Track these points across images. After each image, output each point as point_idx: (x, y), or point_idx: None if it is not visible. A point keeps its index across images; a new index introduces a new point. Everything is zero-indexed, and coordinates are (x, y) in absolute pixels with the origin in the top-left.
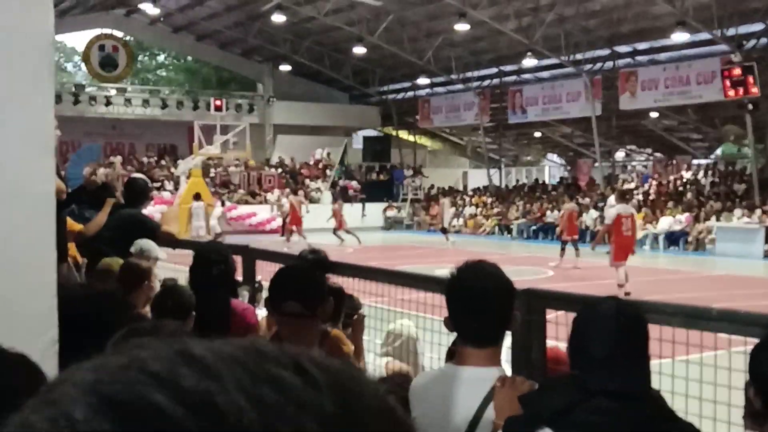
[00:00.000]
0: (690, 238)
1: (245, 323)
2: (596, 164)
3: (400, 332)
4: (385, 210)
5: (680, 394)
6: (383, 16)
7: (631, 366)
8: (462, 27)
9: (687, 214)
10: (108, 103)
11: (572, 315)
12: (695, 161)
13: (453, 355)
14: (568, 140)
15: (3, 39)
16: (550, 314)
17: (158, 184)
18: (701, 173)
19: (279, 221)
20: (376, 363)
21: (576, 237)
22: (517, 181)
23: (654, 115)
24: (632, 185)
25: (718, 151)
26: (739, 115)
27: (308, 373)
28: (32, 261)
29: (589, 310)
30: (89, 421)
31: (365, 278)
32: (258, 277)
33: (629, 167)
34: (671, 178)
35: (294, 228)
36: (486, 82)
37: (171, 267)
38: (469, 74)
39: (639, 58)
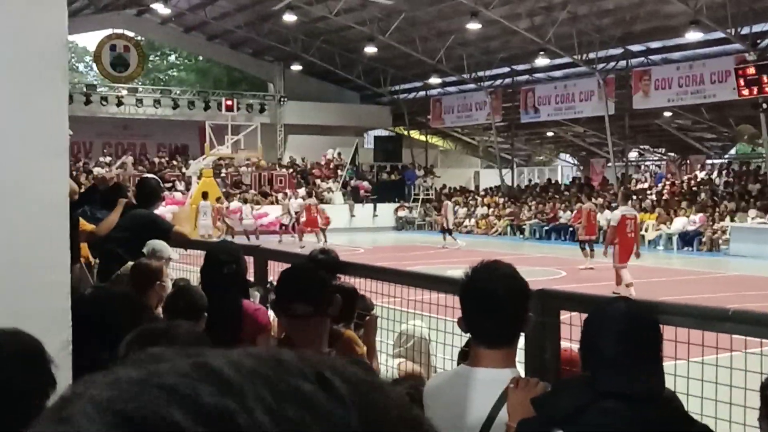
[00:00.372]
0: (704, 239)
1: (257, 324)
2: (609, 164)
3: (413, 333)
4: (396, 210)
5: (695, 396)
6: (395, 16)
7: (643, 368)
8: (474, 26)
9: (701, 215)
10: (119, 103)
11: (586, 316)
12: (709, 161)
13: (465, 357)
14: (581, 140)
15: (18, 41)
16: (564, 315)
17: (169, 185)
18: (715, 173)
19: (285, 220)
20: (388, 364)
21: (594, 237)
22: (530, 181)
23: (667, 114)
24: (645, 185)
25: (733, 151)
26: (754, 114)
27: (332, 386)
28: (46, 262)
29: (599, 311)
30: None
31: (377, 279)
32: (270, 278)
33: (642, 167)
34: (685, 178)
35: (309, 230)
36: (498, 82)
37: (183, 267)
38: (481, 73)
39: (652, 57)
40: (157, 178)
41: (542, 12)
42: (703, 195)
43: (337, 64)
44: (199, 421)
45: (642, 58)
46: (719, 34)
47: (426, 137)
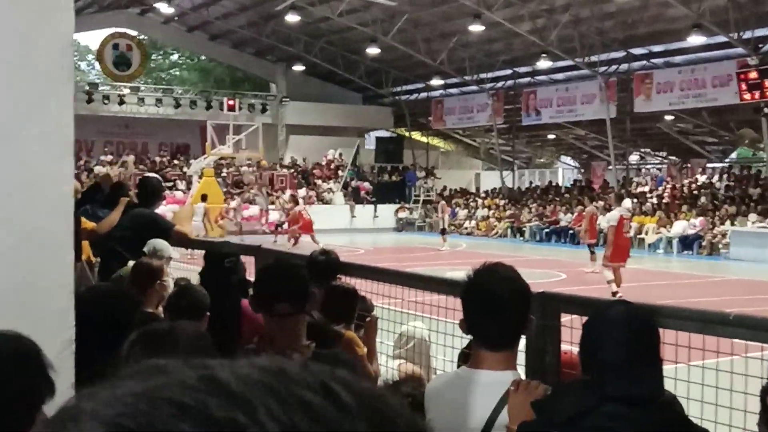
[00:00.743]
0: (704, 242)
1: (256, 323)
2: (610, 167)
3: (413, 334)
4: (397, 211)
5: (695, 400)
6: (397, 17)
7: (643, 371)
8: (476, 28)
9: (701, 218)
10: (121, 102)
11: (585, 319)
12: (710, 165)
13: (465, 358)
14: (582, 142)
15: (24, 41)
16: (565, 318)
17: (171, 184)
18: (716, 177)
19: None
20: (388, 365)
21: (594, 240)
22: (531, 183)
23: (669, 118)
24: (646, 188)
25: (733, 155)
26: (755, 118)
27: (338, 397)
28: (51, 261)
29: (598, 314)
30: None
31: (377, 280)
32: None
33: (643, 170)
34: (685, 181)
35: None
36: (500, 84)
37: (184, 267)
38: (482, 75)
39: (654, 60)
40: (158, 177)
41: (544, 14)
42: (703, 199)
43: (339, 64)
44: None
45: (644, 62)
46: (721, 38)
47: (427, 138)
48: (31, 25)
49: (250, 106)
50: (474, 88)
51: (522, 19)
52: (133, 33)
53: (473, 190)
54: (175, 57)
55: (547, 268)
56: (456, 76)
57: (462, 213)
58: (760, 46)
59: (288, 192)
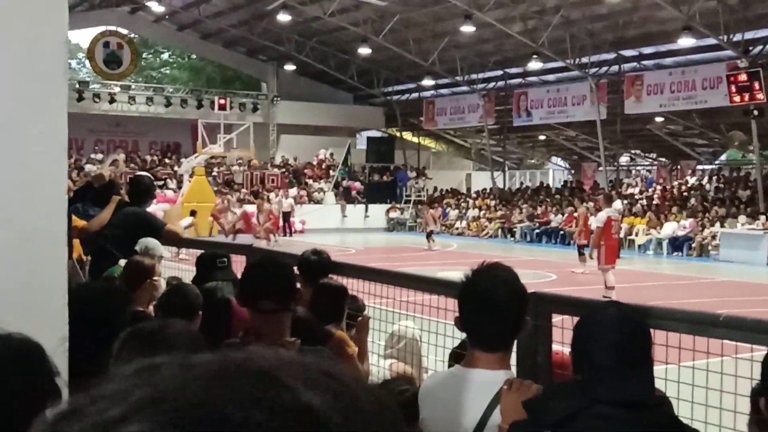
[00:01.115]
0: (694, 244)
1: (245, 321)
2: (600, 168)
3: (404, 334)
4: (388, 211)
5: (686, 401)
6: (389, 17)
7: (634, 373)
8: (468, 29)
9: (691, 220)
10: (112, 101)
11: (578, 319)
12: (700, 166)
13: (456, 358)
14: (573, 144)
15: (19, 40)
16: (556, 318)
17: (161, 183)
18: (706, 179)
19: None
20: (379, 364)
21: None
22: (521, 184)
23: (659, 119)
24: (636, 190)
25: (723, 157)
26: (745, 121)
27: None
28: (47, 260)
29: (590, 317)
30: None
31: (368, 280)
32: None
33: (633, 171)
34: (675, 183)
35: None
36: (491, 85)
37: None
38: (474, 76)
39: (645, 62)
40: (150, 176)
41: (536, 16)
42: (693, 200)
43: (330, 64)
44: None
45: (634, 63)
46: (712, 41)
47: (418, 139)
48: (29, 24)
49: (241, 105)
50: (465, 88)
51: (513, 20)
52: (124, 31)
53: (464, 191)
54: (166, 56)
55: (537, 269)
56: (447, 76)
57: (453, 213)
58: (750, 48)
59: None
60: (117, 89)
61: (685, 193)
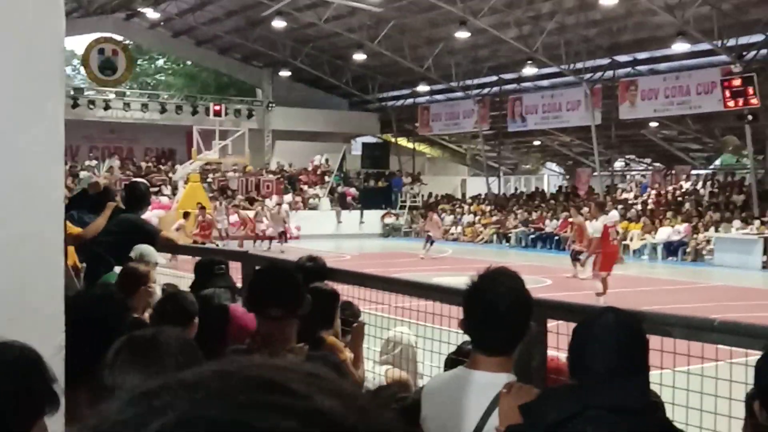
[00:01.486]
0: (688, 249)
1: (244, 328)
2: (595, 173)
3: (399, 340)
4: (383, 217)
5: (680, 406)
6: (384, 23)
7: (631, 380)
8: (462, 35)
9: (686, 225)
10: (107, 107)
11: (573, 325)
12: (694, 171)
13: (452, 364)
14: (568, 149)
15: (17, 46)
16: (551, 324)
17: (156, 189)
18: (700, 183)
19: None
20: (375, 370)
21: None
22: (516, 189)
23: (653, 124)
24: (631, 195)
25: (717, 162)
26: (739, 125)
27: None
28: (43, 266)
29: (588, 322)
30: None
31: (363, 285)
32: None
33: (628, 177)
34: (670, 188)
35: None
36: (486, 90)
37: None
38: (469, 82)
39: (639, 67)
40: (145, 182)
41: (530, 22)
42: (687, 205)
43: (325, 70)
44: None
45: (629, 69)
46: (706, 46)
47: (413, 144)
48: (25, 28)
49: (236, 112)
50: (460, 94)
51: (508, 26)
52: (119, 38)
53: (459, 196)
54: (160, 62)
55: (532, 274)
56: (442, 82)
57: (448, 219)
58: (744, 53)
59: (275, 198)
60: (112, 96)
61: (680, 198)
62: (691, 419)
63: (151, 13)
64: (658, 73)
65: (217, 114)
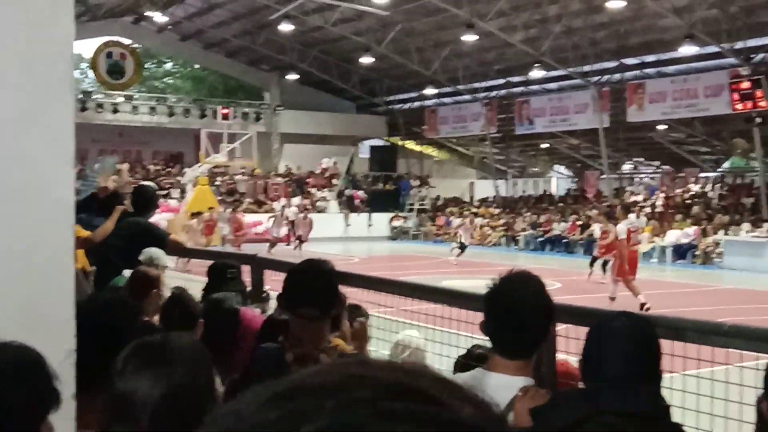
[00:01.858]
0: (698, 252)
1: (253, 330)
2: (603, 176)
3: (408, 343)
4: (391, 220)
5: (691, 410)
6: (391, 27)
7: (641, 387)
8: (470, 38)
9: (695, 227)
10: (115, 111)
11: (582, 328)
12: (703, 174)
13: (461, 367)
14: (576, 152)
15: (27, 52)
16: (560, 327)
17: (164, 192)
18: (709, 186)
19: (284, 231)
20: None
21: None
22: (524, 192)
23: (662, 127)
24: (640, 197)
25: (726, 165)
26: (747, 128)
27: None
28: (54, 270)
29: (602, 326)
30: None
31: (371, 289)
32: (266, 287)
33: (636, 179)
34: (679, 190)
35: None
36: (493, 93)
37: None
38: (476, 85)
39: (647, 70)
40: (154, 186)
41: (537, 24)
42: (696, 208)
43: (333, 73)
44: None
45: (636, 72)
46: (713, 49)
47: (421, 147)
48: (34, 35)
49: (244, 115)
50: (467, 97)
51: (515, 29)
52: (127, 41)
53: (467, 199)
54: (168, 65)
55: (541, 277)
56: (449, 85)
57: (456, 222)
58: (752, 56)
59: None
60: (120, 99)
61: (689, 201)
62: (701, 423)
63: (159, 17)
64: (666, 75)
65: (225, 117)
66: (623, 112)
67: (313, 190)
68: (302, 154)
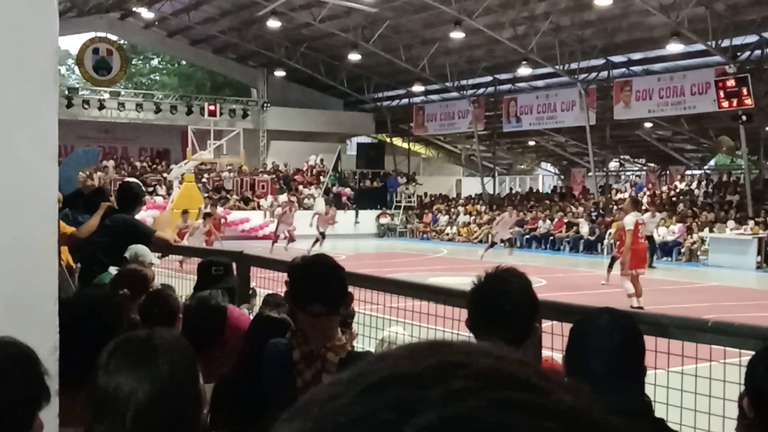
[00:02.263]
0: (683, 249)
1: (239, 329)
2: (590, 173)
3: (394, 340)
4: (378, 217)
5: (675, 406)
6: (379, 23)
7: (627, 382)
8: (457, 35)
9: (680, 225)
10: (101, 107)
11: (567, 325)
12: (689, 172)
13: None
14: (562, 149)
15: (10, 48)
16: (545, 324)
17: (151, 189)
18: (695, 184)
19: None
20: None
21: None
22: (511, 189)
23: (648, 125)
24: (625, 195)
25: (712, 162)
26: (733, 126)
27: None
28: (37, 267)
29: (585, 323)
30: None
31: (358, 286)
32: (252, 284)
33: (623, 177)
34: (664, 188)
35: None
36: (481, 90)
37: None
38: (464, 82)
39: (634, 68)
40: (139, 182)
41: (525, 22)
42: (682, 205)
43: (320, 70)
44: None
45: (623, 69)
46: (700, 47)
47: (408, 145)
48: (16, 31)
49: (231, 112)
50: (455, 94)
51: (503, 27)
52: (114, 37)
53: (454, 197)
54: (155, 62)
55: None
56: (437, 82)
57: (443, 219)
58: (738, 54)
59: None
60: (106, 95)
61: (674, 198)
62: (685, 419)
63: (146, 13)
64: (653, 73)
65: (212, 114)
66: (610, 110)
67: (300, 187)
68: (289, 151)
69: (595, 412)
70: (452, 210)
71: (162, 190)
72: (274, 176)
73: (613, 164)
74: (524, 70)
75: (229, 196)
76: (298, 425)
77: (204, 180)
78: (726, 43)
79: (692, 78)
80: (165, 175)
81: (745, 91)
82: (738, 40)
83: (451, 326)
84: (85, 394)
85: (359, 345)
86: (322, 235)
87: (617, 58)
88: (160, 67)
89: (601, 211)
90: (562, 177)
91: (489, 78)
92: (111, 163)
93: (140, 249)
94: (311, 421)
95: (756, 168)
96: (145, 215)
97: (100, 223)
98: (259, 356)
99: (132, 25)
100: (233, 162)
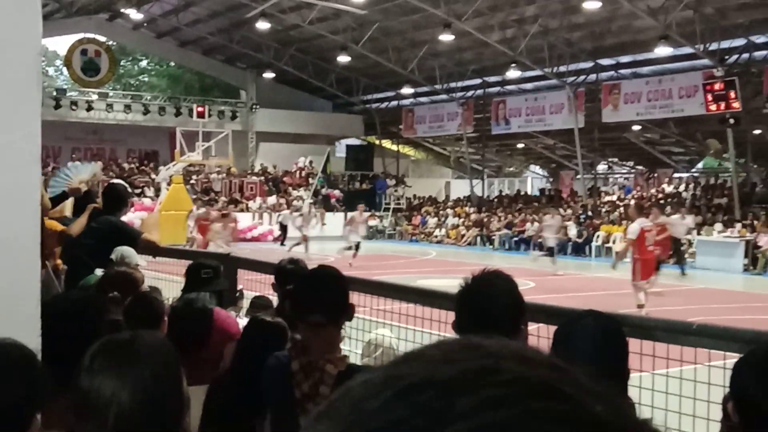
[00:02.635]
0: (671, 251)
1: (225, 332)
2: (578, 176)
3: (381, 342)
4: (366, 220)
5: (659, 408)
6: (368, 25)
7: (611, 384)
8: (446, 37)
9: None
10: (89, 108)
11: (553, 328)
12: (677, 174)
13: None
14: (551, 152)
15: None
16: (532, 327)
17: (139, 191)
18: (682, 186)
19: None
20: None
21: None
22: (500, 191)
23: (636, 128)
24: (614, 197)
25: (700, 165)
26: (721, 129)
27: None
28: (19, 269)
29: (568, 325)
30: None
31: None
32: (239, 286)
33: (611, 180)
34: (653, 191)
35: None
36: (470, 93)
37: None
38: (453, 84)
39: (622, 71)
40: (124, 183)
41: (514, 25)
42: (670, 208)
43: (309, 72)
44: None
45: (612, 72)
46: (688, 50)
47: (398, 147)
48: (1, 32)
49: (219, 113)
50: (444, 97)
51: (492, 29)
52: (102, 39)
53: (443, 199)
54: (144, 63)
55: (515, 277)
56: (426, 84)
57: (432, 221)
58: (726, 57)
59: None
60: (94, 97)
61: (662, 201)
62: (670, 422)
63: (135, 14)
64: (641, 76)
65: (201, 115)
66: (598, 113)
67: (289, 189)
68: (278, 153)
69: (630, 425)
70: (441, 212)
71: (150, 192)
72: (262, 178)
73: (602, 167)
74: (513, 73)
75: (217, 197)
76: (327, 426)
77: (192, 182)
78: (714, 46)
79: (680, 81)
80: (153, 176)
81: (732, 94)
82: (726, 44)
83: (438, 328)
84: (68, 396)
85: (346, 347)
86: (304, 237)
87: (606, 61)
88: (149, 68)
89: (589, 214)
90: (551, 179)
91: (478, 80)
92: (99, 165)
93: (126, 251)
94: (341, 424)
95: (743, 171)
96: (132, 217)
97: (86, 224)
98: (255, 360)
99: (120, 26)
100: (222, 164)
